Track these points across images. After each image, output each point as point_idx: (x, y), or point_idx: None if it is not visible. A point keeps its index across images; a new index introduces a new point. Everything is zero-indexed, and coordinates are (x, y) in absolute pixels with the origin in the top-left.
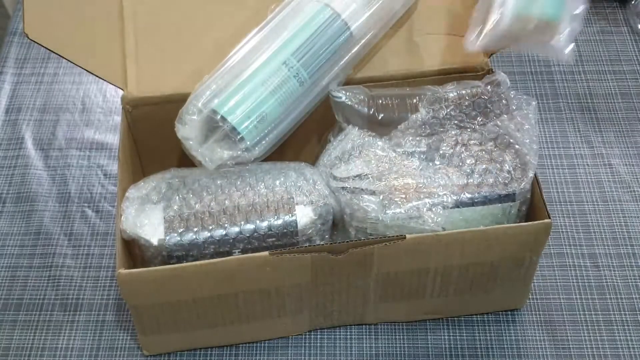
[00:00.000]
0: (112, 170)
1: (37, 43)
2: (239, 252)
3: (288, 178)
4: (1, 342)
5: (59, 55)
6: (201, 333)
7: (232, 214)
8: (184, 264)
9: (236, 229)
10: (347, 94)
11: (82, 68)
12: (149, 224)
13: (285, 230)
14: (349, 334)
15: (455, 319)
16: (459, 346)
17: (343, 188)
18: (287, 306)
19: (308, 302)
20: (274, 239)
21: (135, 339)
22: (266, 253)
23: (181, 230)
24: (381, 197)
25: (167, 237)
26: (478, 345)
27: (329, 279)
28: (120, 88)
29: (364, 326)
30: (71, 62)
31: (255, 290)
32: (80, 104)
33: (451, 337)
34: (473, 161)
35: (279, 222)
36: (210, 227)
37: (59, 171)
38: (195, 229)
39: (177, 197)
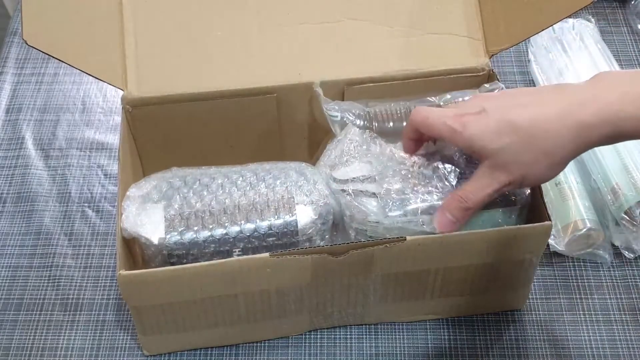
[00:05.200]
0: (112, 170)
1: (36, 49)
2: (239, 251)
3: (289, 178)
4: (1, 342)
5: (59, 60)
6: (201, 333)
7: (232, 213)
8: (185, 266)
9: (236, 228)
10: (342, 110)
11: (82, 71)
12: (150, 222)
13: (285, 230)
14: (349, 333)
15: (455, 318)
16: (459, 346)
17: (343, 190)
18: (287, 307)
19: (308, 303)
20: (274, 238)
21: (135, 339)
22: (266, 254)
23: (182, 229)
24: (381, 199)
25: (168, 236)
26: (478, 345)
27: (329, 280)
28: (120, 89)
29: (364, 326)
30: (71, 65)
31: (256, 292)
32: (81, 104)
33: (451, 337)
34: (473, 165)
35: (280, 221)
36: (211, 226)
37: (59, 171)
38: (196, 228)
39: (177, 196)
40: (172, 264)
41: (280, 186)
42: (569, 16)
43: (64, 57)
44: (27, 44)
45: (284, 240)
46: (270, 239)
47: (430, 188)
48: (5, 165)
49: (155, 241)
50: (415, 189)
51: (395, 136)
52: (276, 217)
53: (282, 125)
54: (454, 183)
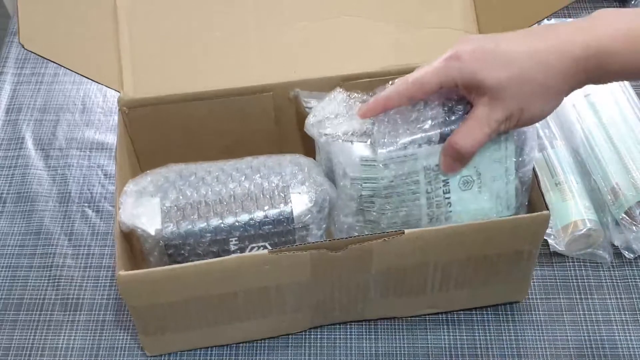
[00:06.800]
0: (112, 170)
1: (34, 53)
2: (235, 240)
3: (283, 168)
4: (1, 342)
5: (56, 63)
6: (201, 332)
7: (228, 202)
8: (183, 265)
9: (232, 218)
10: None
11: (79, 74)
12: (146, 214)
13: (281, 218)
14: (348, 332)
15: (455, 317)
16: (458, 345)
17: (333, 137)
18: (287, 304)
19: (308, 299)
20: (270, 226)
21: (135, 338)
22: (265, 251)
23: (178, 219)
24: (372, 139)
25: (164, 227)
26: (478, 345)
27: (328, 275)
28: (116, 90)
29: (364, 325)
30: (67, 68)
31: (255, 289)
32: (81, 104)
33: (451, 336)
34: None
35: (275, 210)
36: (207, 216)
37: (59, 171)
38: (192, 218)
39: (173, 189)
40: (170, 255)
41: (275, 176)
42: (569, 14)
43: (60, 60)
44: (24, 47)
45: (280, 228)
46: (266, 227)
47: (422, 124)
48: (5, 165)
49: (152, 232)
50: (407, 127)
51: None
52: (271, 205)
53: (279, 123)
54: (450, 117)
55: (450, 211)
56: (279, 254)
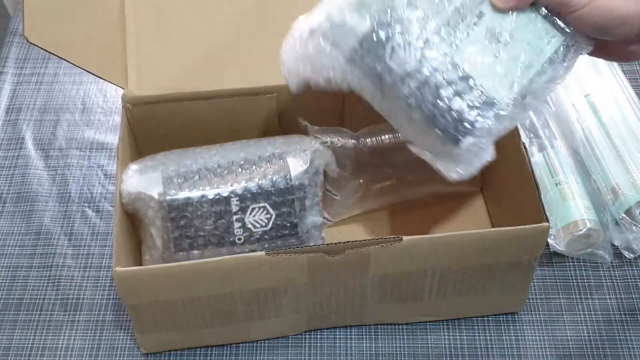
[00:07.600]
0: (112, 170)
1: (37, 46)
2: (237, 200)
3: (278, 140)
4: (1, 342)
5: (59, 57)
6: (199, 332)
7: (227, 167)
8: (180, 263)
9: (232, 178)
10: (330, 135)
11: (83, 69)
12: (149, 182)
13: (279, 178)
14: (348, 334)
15: (455, 319)
16: (458, 346)
17: None
18: (284, 306)
19: (305, 302)
20: (269, 183)
21: (135, 338)
22: (262, 253)
23: (180, 181)
24: None
25: (167, 190)
26: (478, 346)
27: (325, 279)
28: (120, 87)
29: (363, 326)
30: (72, 63)
31: (252, 290)
32: (81, 104)
33: (451, 338)
34: None
35: (273, 169)
36: (208, 178)
37: (59, 171)
38: (194, 180)
39: (174, 162)
40: (173, 219)
41: (270, 147)
42: None
43: (65, 55)
44: (28, 41)
45: (280, 186)
46: (266, 185)
47: None
48: (5, 165)
49: (156, 196)
50: None
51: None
52: (269, 166)
53: (282, 124)
54: None
55: (459, 47)
56: (276, 256)
